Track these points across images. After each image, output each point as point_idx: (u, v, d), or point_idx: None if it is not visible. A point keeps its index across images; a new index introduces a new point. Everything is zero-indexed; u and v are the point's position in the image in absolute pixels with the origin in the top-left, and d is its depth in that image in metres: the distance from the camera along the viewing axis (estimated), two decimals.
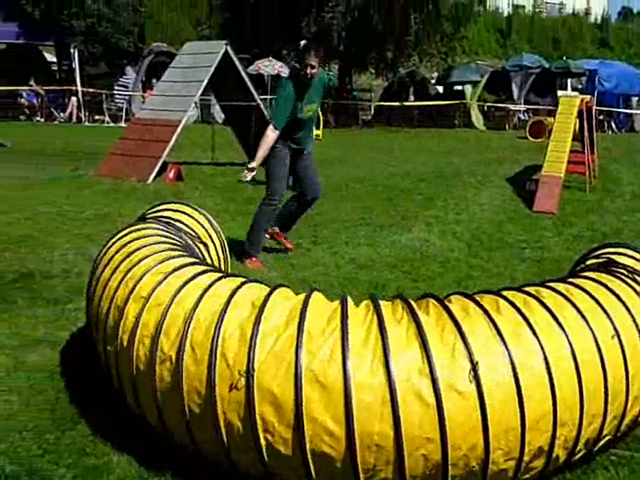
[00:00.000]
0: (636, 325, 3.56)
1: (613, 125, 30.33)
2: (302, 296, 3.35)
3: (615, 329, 3.44)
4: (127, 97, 28.66)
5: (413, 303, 3.29)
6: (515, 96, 29.81)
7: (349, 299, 3.30)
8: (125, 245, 4.12)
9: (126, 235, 4.29)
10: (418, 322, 3.15)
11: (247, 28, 26.86)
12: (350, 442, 2.98)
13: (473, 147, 20.09)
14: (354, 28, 26.55)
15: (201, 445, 3.31)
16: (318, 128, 22.52)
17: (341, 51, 27.66)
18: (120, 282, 3.76)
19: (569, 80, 30.87)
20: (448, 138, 23.61)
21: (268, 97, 25.27)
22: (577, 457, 3.46)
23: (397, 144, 21.06)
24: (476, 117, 29.30)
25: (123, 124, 25.46)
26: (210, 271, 3.68)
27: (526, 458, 3.18)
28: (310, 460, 3.04)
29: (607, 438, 3.54)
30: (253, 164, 6.83)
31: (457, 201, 11.11)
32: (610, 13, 53.92)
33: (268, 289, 3.41)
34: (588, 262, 4.33)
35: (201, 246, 4.67)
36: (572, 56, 35.62)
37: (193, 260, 3.84)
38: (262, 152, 6.79)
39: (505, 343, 3.15)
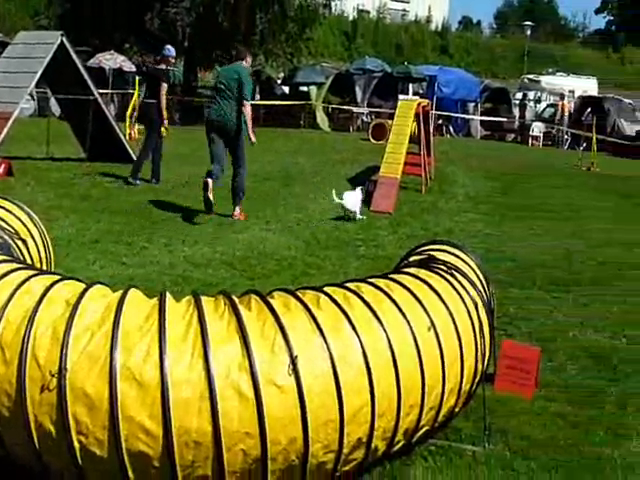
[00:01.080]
0: (452, 318, 3.71)
1: (451, 129, 31.46)
2: (119, 293, 3.26)
3: (431, 322, 3.58)
4: None
5: (235, 299, 3.28)
6: (359, 99, 30.35)
7: (168, 295, 3.25)
8: None
9: None
10: (239, 317, 3.15)
11: (87, 20, 26.02)
12: (167, 440, 2.93)
13: (318, 148, 20.41)
14: (199, 25, 26.29)
15: (11, 448, 3.16)
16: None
17: (186, 47, 27.33)
18: None
19: (410, 85, 31.79)
20: (294, 138, 23.88)
21: (109, 91, 24.63)
22: (397, 448, 3.56)
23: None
24: (321, 118, 29.65)
25: None
26: (24, 268, 3.52)
27: (345, 450, 3.24)
28: (126, 461, 2.97)
29: (425, 429, 3.67)
30: (254, 139, 9.33)
31: (298, 200, 11.29)
32: (450, 22, 56.08)
33: (84, 286, 3.31)
34: (411, 259, 4.48)
35: (19, 243, 4.47)
36: (414, 62, 36.82)
37: (5, 257, 3.66)
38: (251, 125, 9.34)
39: (324, 337, 3.20)
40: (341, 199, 9.79)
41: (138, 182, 11.82)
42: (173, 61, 13.49)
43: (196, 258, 7.28)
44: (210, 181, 9.21)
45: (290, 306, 3.29)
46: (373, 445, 3.35)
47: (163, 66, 12.37)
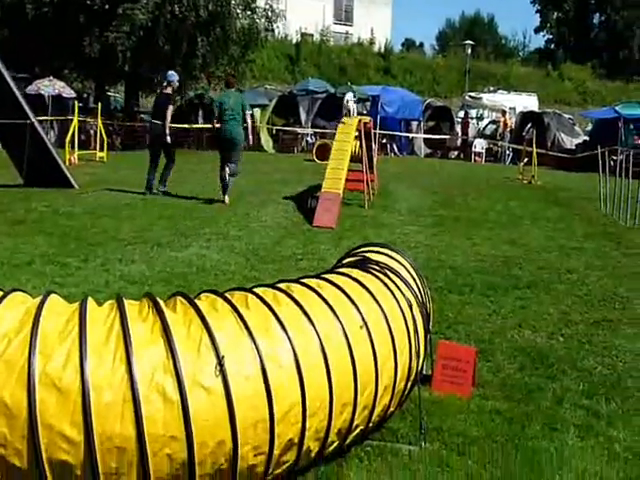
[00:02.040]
0: (385, 317, 3.71)
1: (395, 148, 31.84)
2: (38, 299, 3.19)
3: (364, 320, 3.57)
4: None
5: (160, 301, 3.23)
6: (303, 120, 30.64)
7: (90, 299, 3.19)
8: None
9: None
10: (163, 319, 3.10)
11: (25, 46, 25.72)
12: (89, 447, 2.86)
13: (261, 169, 20.39)
14: (140, 49, 26.18)
15: None
16: (102, 150, 22.02)
17: (127, 72, 27.17)
18: None
19: (352, 104, 31.70)
20: None
21: (49, 118, 24.34)
22: (331, 449, 3.53)
23: (187, 167, 20.89)
24: (265, 140, 29.73)
25: None
26: None
27: (277, 452, 3.20)
28: (47, 470, 2.89)
29: (359, 429, 3.65)
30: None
31: (239, 219, 11.28)
32: (393, 44, 56.82)
33: (1, 294, 3.22)
34: (345, 261, 4.48)
35: None
36: (357, 83, 37.09)
37: None
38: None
39: (253, 337, 3.17)
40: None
41: (164, 188, 13.87)
42: (177, 85, 15.13)
43: (133, 276, 7.19)
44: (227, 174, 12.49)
45: (217, 307, 3.26)
46: (305, 446, 3.31)
47: (169, 90, 14.25)
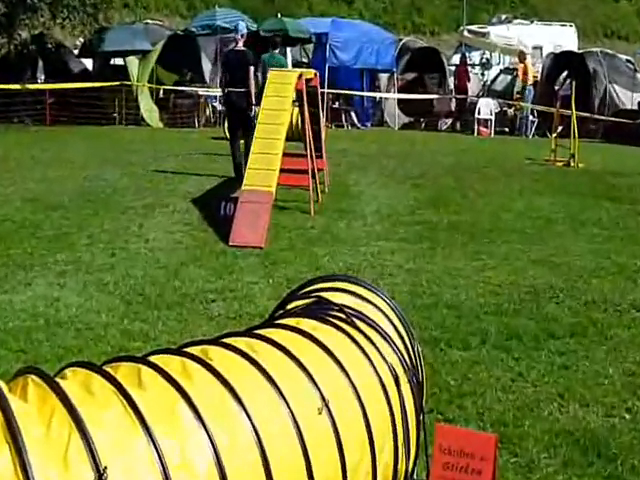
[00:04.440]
0: (357, 395, 2.71)
1: (354, 117, 22.86)
2: None
3: (323, 399, 2.56)
4: None
5: (2, 385, 2.13)
6: (207, 75, 22.07)
7: None
8: None
9: None
10: (8, 413, 2.03)
11: None
12: None
13: (141, 154, 15.12)
14: None
15: None
16: None
17: None
18: None
19: (288, 49, 22.16)
20: (104, 140, 17.84)
21: None
22: None
23: (18, 152, 15.01)
24: (147, 109, 21.19)
25: None
26: None
27: None
28: None
29: None
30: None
31: (111, 237, 8.43)
32: None
33: None
34: (291, 305, 3.37)
35: None
36: (293, 14, 26.00)
37: None
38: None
39: (151, 433, 2.16)
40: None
41: None
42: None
43: None
44: None
45: (93, 388, 2.21)
46: None
47: (241, 45, 11.86)
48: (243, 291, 6.53)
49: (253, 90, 11.44)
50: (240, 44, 11.85)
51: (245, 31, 12.05)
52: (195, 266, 7.32)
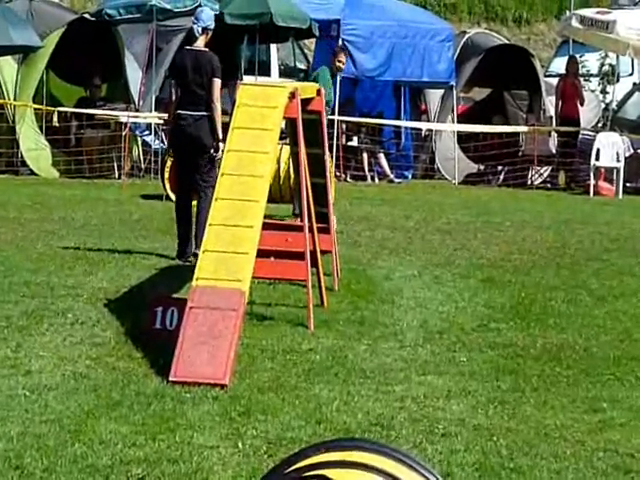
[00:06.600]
0: None
1: (384, 162, 15.85)
2: None
3: None
4: None
5: None
6: (132, 87, 14.68)
7: None
8: None
9: None
10: None
11: None
12: None
13: (24, 226, 10.48)
14: None
15: None
16: None
17: None
18: None
19: (273, 48, 16.26)
20: None
21: None
22: None
23: None
24: (32, 146, 14.31)
25: None
26: None
27: None
28: None
29: None
30: None
31: None
32: None
33: None
34: None
35: None
36: None
37: None
38: None
39: None
40: None
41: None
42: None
43: None
44: None
45: None
46: None
47: (201, 43, 8.47)
48: (192, 462, 4.39)
49: (219, 117, 8.01)
50: (200, 42, 8.36)
51: (212, 23, 8.44)
52: (110, 418, 4.98)
